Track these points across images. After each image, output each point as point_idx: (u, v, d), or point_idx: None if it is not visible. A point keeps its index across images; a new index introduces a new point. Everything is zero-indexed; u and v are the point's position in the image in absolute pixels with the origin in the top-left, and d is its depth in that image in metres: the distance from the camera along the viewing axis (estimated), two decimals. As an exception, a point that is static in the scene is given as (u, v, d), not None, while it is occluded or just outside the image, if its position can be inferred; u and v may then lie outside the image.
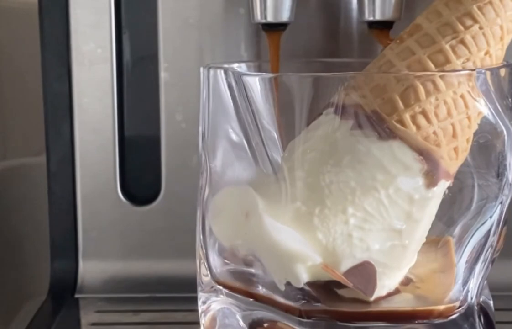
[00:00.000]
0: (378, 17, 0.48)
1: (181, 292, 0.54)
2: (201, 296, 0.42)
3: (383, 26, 0.49)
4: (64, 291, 0.56)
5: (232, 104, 0.38)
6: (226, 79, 0.38)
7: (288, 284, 0.38)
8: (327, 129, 0.37)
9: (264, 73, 0.41)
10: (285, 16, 0.48)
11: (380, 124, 0.36)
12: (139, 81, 0.57)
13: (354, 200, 0.37)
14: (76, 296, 0.56)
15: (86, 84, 0.56)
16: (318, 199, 0.37)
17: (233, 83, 0.38)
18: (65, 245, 0.57)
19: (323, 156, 0.37)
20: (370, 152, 0.36)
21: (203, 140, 0.41)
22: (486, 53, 0.37)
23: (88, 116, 0.56)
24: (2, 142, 0.71)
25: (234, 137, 0.39)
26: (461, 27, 0.37)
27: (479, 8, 0.37)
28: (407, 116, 0.36)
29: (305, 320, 0.38)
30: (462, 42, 0.37)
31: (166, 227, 0.56)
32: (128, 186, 0.57)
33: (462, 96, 0.36)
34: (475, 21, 0.37)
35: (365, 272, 0.37)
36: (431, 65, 0.37)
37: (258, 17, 0.49)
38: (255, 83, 0.38)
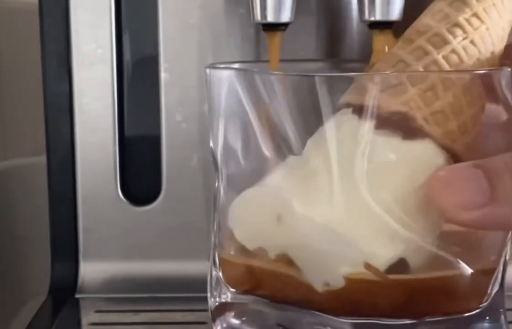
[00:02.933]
0: (378, 17, 0.48)
1: (181, 292, 0.54)
2: (214, 302, 0.41)
3: (383, 27, 0.49)
4: (65, 291, 0.56)
5: (237, 104, 0.38)
6: (237, 79, 0.38)
7: (327, 284, 0.37)
8: (349, 129, 0.36)
9: (264, 73, 0.40)
10: (285, 17, 0.48)
11: (403, 123, 0.36)
12: (139, 81, 0.57)
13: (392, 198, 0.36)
14: (77, 296, 0.56)
15: (86, 84, 0.56)
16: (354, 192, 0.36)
17: (238, 84, 0.38)
18: (65, 245, 0.57)
19: (351, 157, 0.36)
20: (396, 151, 0.36)
21: (214, 141, 0.40)
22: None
23: (88, 116, 0.56)
24: (2, 142, 0.71)
25: (243, 137, 0.39)
26: (469, 27, 0.38)
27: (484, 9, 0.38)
28: (427, 115, 0.36)
29: (343, 320, 0.37)
30: (472, 42, 0.38)
31: (166, 227, 0.56)
32: (128, 186, 0.57)
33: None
34: (482, 22, 0.38)
35: None
36: (446, 65, 0.37)
37: (258, 17, 0.49)
38: (259, 82, 0.38)
